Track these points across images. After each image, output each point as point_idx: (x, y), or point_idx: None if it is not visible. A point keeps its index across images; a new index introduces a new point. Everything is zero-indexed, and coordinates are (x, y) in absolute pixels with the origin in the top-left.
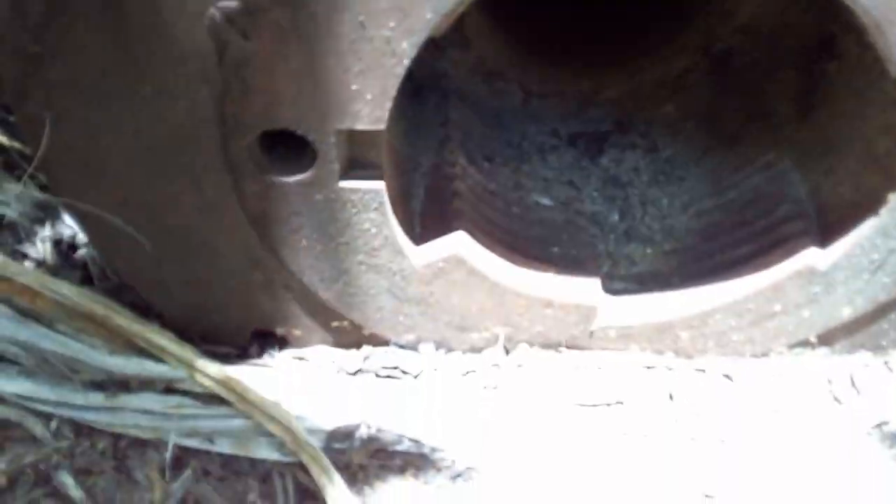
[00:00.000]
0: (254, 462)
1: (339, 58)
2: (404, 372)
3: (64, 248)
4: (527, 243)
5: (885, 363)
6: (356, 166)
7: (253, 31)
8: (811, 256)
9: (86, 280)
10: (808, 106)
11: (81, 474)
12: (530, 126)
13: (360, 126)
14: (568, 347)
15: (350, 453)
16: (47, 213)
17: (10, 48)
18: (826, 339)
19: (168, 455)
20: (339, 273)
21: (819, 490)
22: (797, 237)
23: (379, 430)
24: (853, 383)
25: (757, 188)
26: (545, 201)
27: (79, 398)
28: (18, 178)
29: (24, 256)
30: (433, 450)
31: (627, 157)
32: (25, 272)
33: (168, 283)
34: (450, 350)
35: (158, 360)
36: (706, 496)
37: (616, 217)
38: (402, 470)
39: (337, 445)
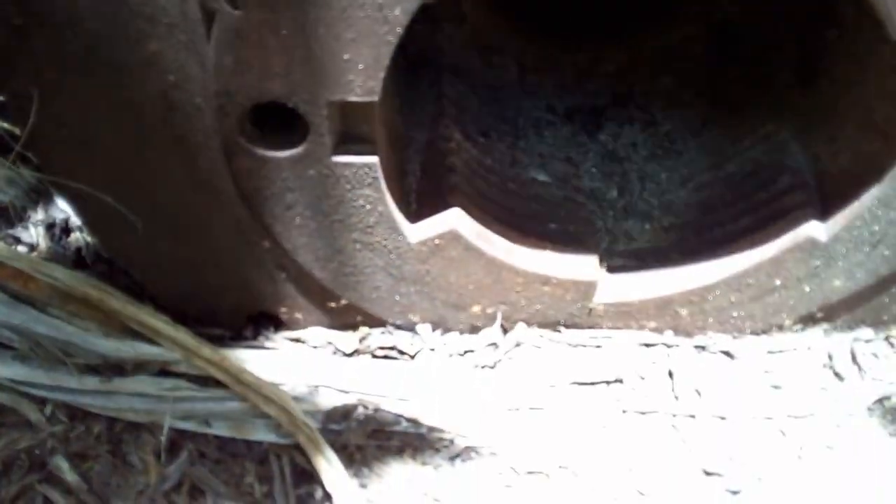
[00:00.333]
0: (250, 444)
1: (331, 26)
2: (401, 352)
3: (57, 232)
4: (524, 220)
5: (887, 338)
6: (349, 140)
7: None
8: (812, 228)
9: (79, 264)
10: (808, 74)
11: (76, 459)
12: (526, 101)
13: (353, 97)
14: (566, 325)
15: (347, 434)
16: (40, 197)
17: None
18: (827, 314)
19: (164, 438)
20: (334, 252)
21: (820, 466)
22: (797, 209)
23: (376, 411)
24: (854, 359)
25: (756, 160)
26: (542, 177)
27: (73, 382)
28: (13, 163)
29: (17, 241)
30: (431, 430)
31: (625, 131)
32: (18, 257)
33: (161, 263)
34: (447, 330)
35: (153, 342)
36: (706, 473)
37: (614, 193)
38: (399, 450)
39: (334, 426)
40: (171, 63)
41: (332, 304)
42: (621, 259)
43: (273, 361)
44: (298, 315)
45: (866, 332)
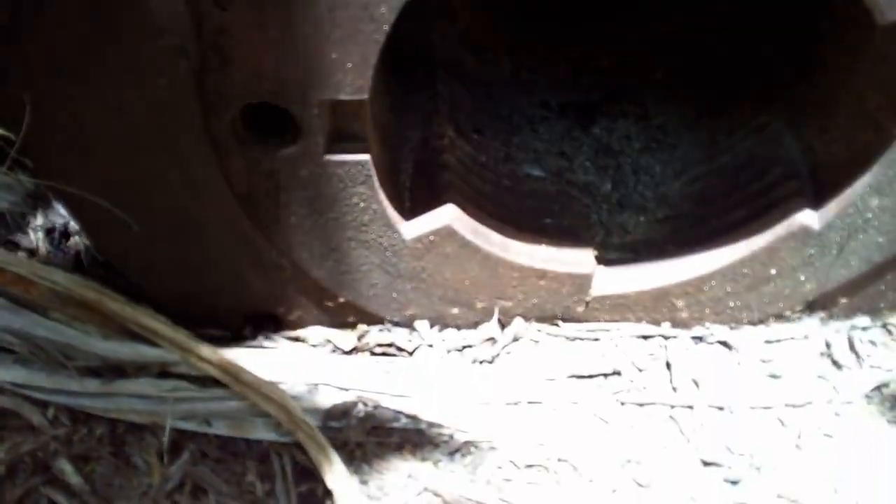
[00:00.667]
0: (251, 443)
1: (318, 25)
2: (399, 349)
3: (56, 237)
4: (519, 215)
5: (884, 325)
6: (341, 139)
7: (229, 0)
8: (805, 217)
9: (78, 267)
10: (801, 65)
11: (79, 461)
12: (520, 97)
13: (343, 96)
14: (564, 319)
15: (347, 431)
16: (38, 202)
17: None
18: (823, 302)
19: (165, 439)
20: (330, 250)
21: (819, 454)
22: (791, 198)
23: (375, 408)
24: (852, 347)
25: (750, 151)
26: (536, 172)
27: (75, 385)
28: (9, 169)
29: (17, 246)
30: (430, 425)
31: (619, 125)
32: (18, 262)
33: (158, 265)
34: (445, 326)
35: (153, 344)
36: (705, 463)
37: (608, 186)
38: (399, 447)
39: (334, 424)
40: (161, 65)
41: (330, 303)
42: (616, 252)
43: (272, 360)
44: (297, 314)
45: (863, 320)
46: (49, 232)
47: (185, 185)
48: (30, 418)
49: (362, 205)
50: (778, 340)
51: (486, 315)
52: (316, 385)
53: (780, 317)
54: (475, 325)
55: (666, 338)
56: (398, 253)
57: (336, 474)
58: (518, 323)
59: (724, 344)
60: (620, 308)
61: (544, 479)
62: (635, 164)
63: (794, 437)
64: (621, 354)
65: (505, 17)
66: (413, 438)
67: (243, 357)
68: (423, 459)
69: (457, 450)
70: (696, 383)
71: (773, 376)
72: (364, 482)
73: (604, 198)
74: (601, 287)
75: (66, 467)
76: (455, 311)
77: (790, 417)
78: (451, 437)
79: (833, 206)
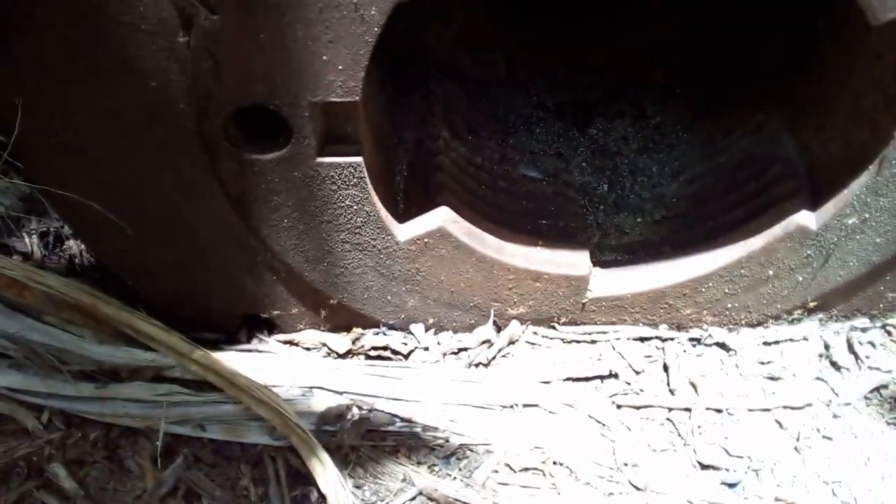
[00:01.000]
0: (245, 447)
1: (308, 27)
2: (395, 352)
3: (51, 241)
4: (514, 216)
5: (884, 326)
6: (333, 141)
7: (218, 3)
8: (802, 218)
9: (73, 271)
10: (799, 64)
11: (73, 465)
12: (516, 98)
13: (334, 98)
14: (560, 321)
15: (341, 435)
16: (33, 206)
17: None
18: (822, 303)
19: (159, 443)
20: (323, 253)
21: (818, 457)
22: (788, 198)
23: (370, 411)
24: (851, 348)
25: (748, 150)
26: (532, 174)
27: (69, 389)
28: (3, 172)
29: (11, 250)
30: (425, 429)
31: (616, 125)
32: (13, 266)
33: (151, 268)
34: (441, 329)
35: (147, 348)
36: (702, 466)
37: (605, 187)
38: (394, 450)
39: (328, 428)
40: (152, 69)
41: (324, 306)
42: (613, 253)
43: (267, 364)
44: (291, 317)
45: (863, 321)
46: (43, 235)
47: (177, 188)
48: (24, 422)
49: (355, 207)
50: (776, 342)
51: (482, 318)
52: (310, 389)
53: (778, 318)
54: (471, 327)
55: (663, 340)
56: (392, 255)
57: (329, 478)
58: (514, 325)
59: (722, 346)
60: (617, 310)
61: (540, 483)
62: (632, 165)
63: (792, 439)
64: (618, 357)
65: (501, 17)
66: (408, 442)
67: (237, 360)
68: (419, 463)
69: (452, 453)
70: (693, 385)
71: (772, 378)
72: (359, 486)
73: (600, 199)
74: (597, 289)
75: (60, 471)
76: (451, 313)
77: (789, 419)
78: (447, 440)
79: (830, 207)
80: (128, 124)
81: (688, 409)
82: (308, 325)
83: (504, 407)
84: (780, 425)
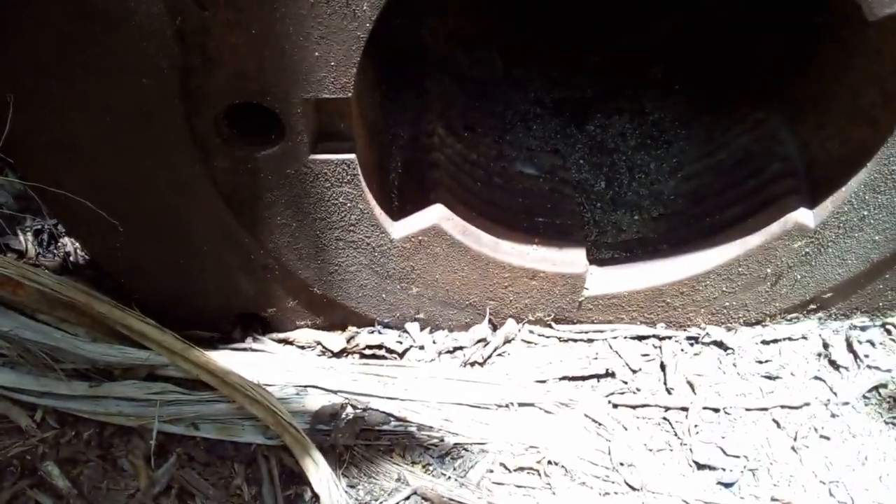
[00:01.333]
0: (238, 446)
1: (300, 23)
2: (390, 351)
3: (45, 239)
4: (510, 214)
5: (883, 325)
6: (327, 138)
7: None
8: (800, 215)
9: (67, 269)
10: (798, 61)
11: (67, 464)
12: (514, 94)
13: (326, 94)
14: (557, 320)
15: (335, 434)
16: (28, 204)
17: None
18: (821, 301)
19: (152, 442)
20: (317, 250)
21: (815, 456)
22: (786, 196)
23: (365, 410)
24: (850, 347)
25: (746, 147)
26: (529, 170)
27: (63, 388)
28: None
29: (6, 248)
30: (420, 428)
31: (614, 122)
32: (7, 264)
33: (145, 266)
34: (436, 327)
35: (141, 346)
36: (699, 466)
37: (602, 184)
38: (388, 449)
39: (322, 427)
40: (144, 66)
41: (319, 304)
42: (610, 251)
43: (261, 363)
44: (286, 316)
45: (862, 320)
46: (38, 233)
47: (170, 185)
48: (17, 421)
49: (349, 204)
50: (775, 341)
51: (478, 316)
52: (304, 387)
53: (777, 317)
54: (467, 326)
55: (660, 338)
56: (386, 253)
57: (322, 478)
58: (510, 324)
59: (720, 344)
60: (614, 308)
61: (535, 483)
62: (630, 162)
63: (790, 438)
64: (615, 356)
65: (499, 15)
66: (403, 441)
67: (231, 359)
68: (413, 463)
69: (447, 453)
70: (690, 385)
71: (770, 377)
72: (353, 486)
73: (597, 196)
74: (594, 287)
75: (53, 470)
76: (446, 312)
77: (786, 419)
78: (442, 439)
79: (829, 204)
80: (121, 122)
81: (684, 409)
82: (303, 324)
83: (500, 406)
84: (778, 425)
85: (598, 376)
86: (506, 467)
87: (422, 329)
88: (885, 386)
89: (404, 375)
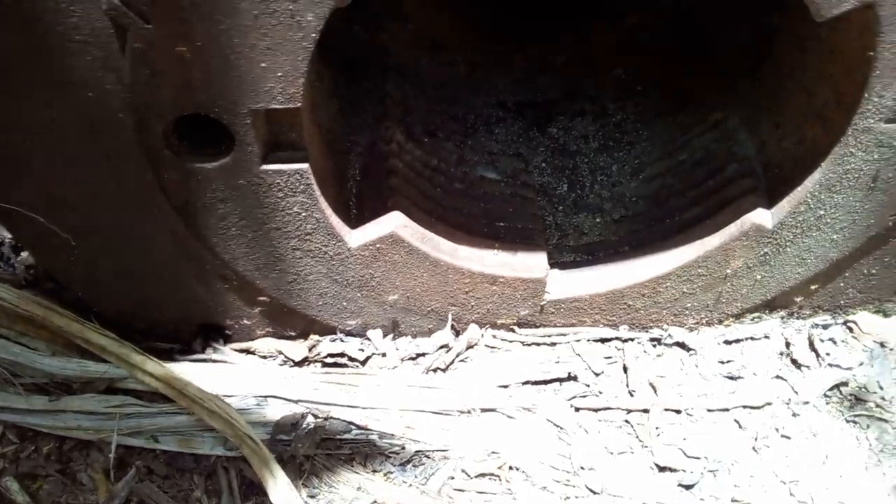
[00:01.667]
0: (198, 458)
1: (245, 34)
2: (351, 359)
3: (5, 252)
4: (471, 219)
5: (845, 323)
6: (278, 148)
7: (151, 12)
8: (758, 216)
9: (28, 282)
10: (757, 60)
11: (26, 479)
12: (476, 98)
13: (275, 105)
14: (519, 324)
15: (295, 444)
16: None
17: None
18: (783, 301)
19: (111, 456)
20: (275, 260)
21: (776, 456)
22: (744, 196)
23: (326, 420)
24: (811, 346)
25: (706, 148)
26: (491, 175)
27: (22, 402)
28: None
29: None
30: (382, 436)
31: (576, 124)
32: None
33: (102, 279)
34: (399, 334)
35: (100, 360)
36: (659, 468)
37: (564, 187)
38: (349, 458)
39: (283, 437)
40: (89, 79)
41: (279, 313)
42: (572, 254)
43: (222, 373)
44: (246, 325)
45: (824, 318)
46: None
47: (122, 198)
48: None
49: (304, 214)
50: (737, 340)
51: (440, 322)
52: (265, 398)
53: (739, 317)
54: (429, 332)
55: (623, 340)
56: (345, 262)
57: (280, 489)
58: (473, 329)
59: (682, 345)
60: (576, 311)
61: (496, 488)
62: (592, 164)
63: (751, 438)
64: (578, 359)
65: (459, 17)
66: (364, 450)
67: (192, 370)
68: (374, 471)
69: (408, 460)
70: (653, 387)
71: (732, 377)
72: (313, 496)
73: (560, 199)
74: (556, 291)
75: (12, 485)
76: (408, 318)
77: (748, 419)
78: (403, 447)
79: (785, 204)
80: (68, 135)
81: (646, 411)
82: (264, 333)
83: (462, 412)
84: (739, 425)
85: (561, 380)
86: (467, 473)
87: (384, 336)
88: (845, 384)
89: (366, 383)
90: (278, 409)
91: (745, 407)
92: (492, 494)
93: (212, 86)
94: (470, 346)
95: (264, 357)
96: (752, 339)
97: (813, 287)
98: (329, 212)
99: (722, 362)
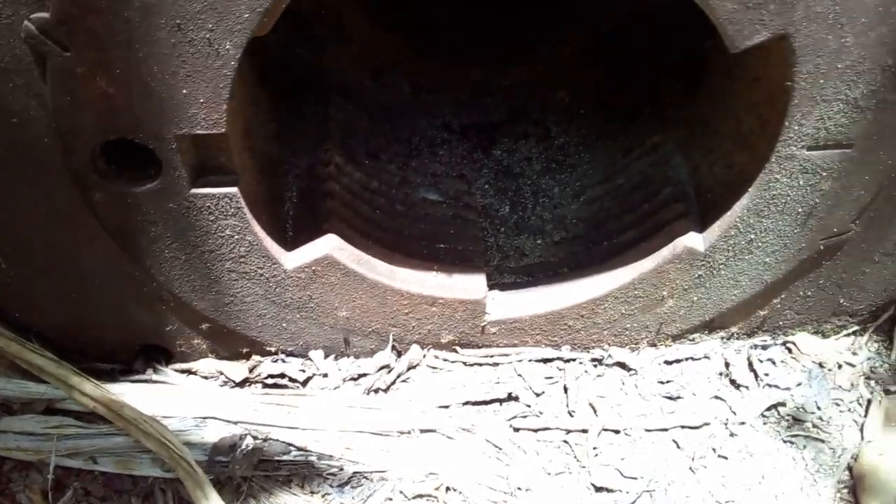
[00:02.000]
0: (136, 479)
1: (164, 63)
2: (292, 380)
3: None
4: (411, 241)
5: (784, 343)
6: (207, 172)
7: (69, 41)
8: (690, 239)
9: None
10: (692, 85)
11: None
12: (421, 119)
13: (199, 130)
14: (461, 345)
15: (233, 466)
16: None
17: None
18: (722, 321)
19: (49, 477)
20: (211, 282)
21: (712, 476)
22: (677, 220)
23: (265, 441)
24: (750, 366)
25: (643, 172)
26: (433, 196)
27: None
28: None
29: None
30: (320, 457)
31: (520, 146)
32: None
33: (39, 301)
34: (341, 354)
35: (39, 380)
36: (596, 489)
37: (507, 208)
38: (287, 480)
39: (221, 458)
40: (12, 105)
41: (219, 333)
42: (513, 275)
43: (162, 394)
44: (187, 346)
45: (763, 339)
46: None
47: (53, 221)
48: None
49: (236, 237)
50: (677, 361)
51: (382, 342)
52: (204, 419)
53: (679, 337)
54: (372, 352)
55: (565, 361)
56: (281, 283)
57: None
58: (414, 350)
59: (623, 365)
60: (518, 332)
61: None
62: (535, 186)
63: (688, 459)
64: (519, 379)
65: (403, 39)
66: (302, 471)
67: (132, 391)
68: (312, 493)
69: (346, 482)
70: (592, 407)
71: (671, 397)
72: None
73: (502, 221)
74: (496, 312)
75: None
76: (349, 338)
77: (686, 439)
78: (342, 468)
79: (716, 229)
80: None
81: (585, 431)
82: (205, 353)
83: (401, 433)
84: (677, 445)
85: (501, 400)
86: (404, 495)
87: (326, 356)
88: (783, 404)
89: (306, 404)
90: (217, 431)
91: (683, 427)
92: None
93: (134, 112)
94: (411, 367)
95: (206, 377)
96: (692, 359)
97: (750, 308)
98: (262, 234)
99: (662, 382)
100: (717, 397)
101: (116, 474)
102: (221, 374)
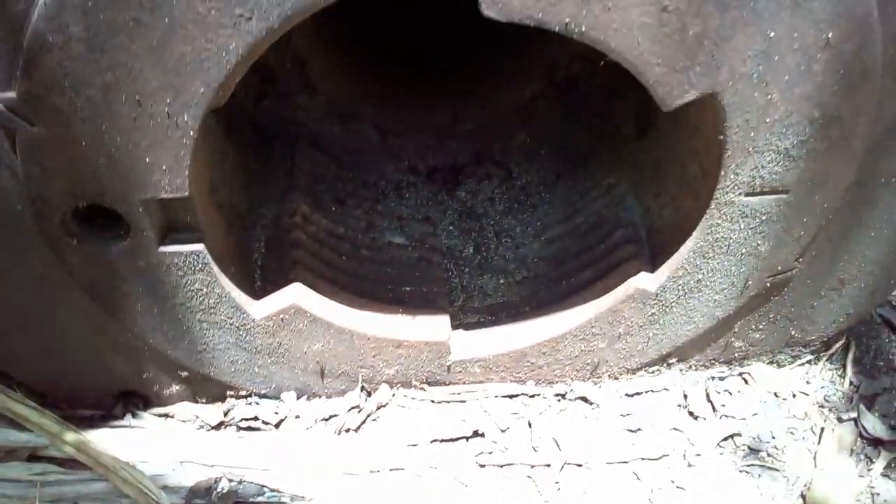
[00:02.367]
0: None
1: (126, 135)
2: (265, 422)
3: None
4: (376, 285)
5: (740, 374)
6: (175, 230)
7: (36, 117)
8: (641, 280)
9: None
10: (643, 127)
11: None
12: (388, 164)
13: (164, 195)
14: (429, 383)
15: None
16: None
17: None
18: (679, 355)
19: None
20: (183, 332)
21: None
22: (629, 261)
23: (240, 483)
24: (708, 397)
25: (599, 213)
26: (399, 240)
27: None
28: None
29: None
30: (293, 498)
31: (483, 187)
32: None
33: (18, 353)
34: (313, 395)
35: (23, 428)
36: None
37: (470, 249)
38: None
39: (198, 501)
40: None
41: (195, 379)
42: (476, 315)
43: (139, 439)
44: (164, 391)
45: (721, 370)
46: None
47: (29, 281)
48: None
49: (205, 290)
50: (638, 394)
51: (352, 383)
52: (181, 463)
53: (639, 371)
54: (343, 393)
55: (530, 396)
56: (251, 331)
57: None
58: (383, 390)
59: (585, 400)
60: (483, 370)
61: None
62: (498, 227)
63: (647, 490)
64: (485, 416)
65: (369, 87)
66: None
67: (111, 437)
68: None
69: None
70: (556, 441)
71: (631, 430)
72: None
73: (466, 261)
74: (461, 351)
75: None
76: (320, 381)
77: (645, 471)
78: None
79: (665, 269)
80: None
81: (548, 465)
82: (182, 398)
83: (371, 472)
84: (637, 477)
85: (468, 437)
86: None
87: (298, 397)
88: (739, 434)
89: (279, 446)
90: (194, 474)
91: (642, 459)
92: None
93: (101, 180)
94: (380, 407)
95: (183, 421)
96: (651, 391)
97: (706, 342)
98: (230, 286)
99: (623, 415)
100: (675, 429)
101: None
102: (198, 417)
